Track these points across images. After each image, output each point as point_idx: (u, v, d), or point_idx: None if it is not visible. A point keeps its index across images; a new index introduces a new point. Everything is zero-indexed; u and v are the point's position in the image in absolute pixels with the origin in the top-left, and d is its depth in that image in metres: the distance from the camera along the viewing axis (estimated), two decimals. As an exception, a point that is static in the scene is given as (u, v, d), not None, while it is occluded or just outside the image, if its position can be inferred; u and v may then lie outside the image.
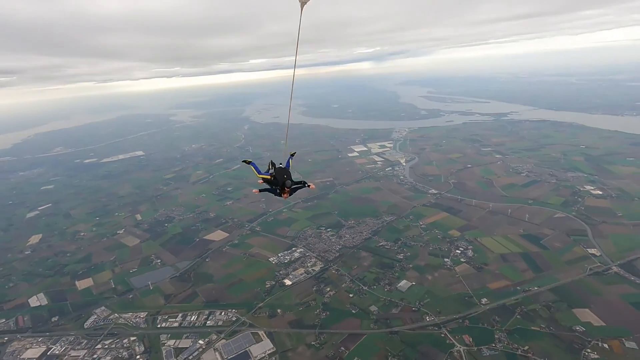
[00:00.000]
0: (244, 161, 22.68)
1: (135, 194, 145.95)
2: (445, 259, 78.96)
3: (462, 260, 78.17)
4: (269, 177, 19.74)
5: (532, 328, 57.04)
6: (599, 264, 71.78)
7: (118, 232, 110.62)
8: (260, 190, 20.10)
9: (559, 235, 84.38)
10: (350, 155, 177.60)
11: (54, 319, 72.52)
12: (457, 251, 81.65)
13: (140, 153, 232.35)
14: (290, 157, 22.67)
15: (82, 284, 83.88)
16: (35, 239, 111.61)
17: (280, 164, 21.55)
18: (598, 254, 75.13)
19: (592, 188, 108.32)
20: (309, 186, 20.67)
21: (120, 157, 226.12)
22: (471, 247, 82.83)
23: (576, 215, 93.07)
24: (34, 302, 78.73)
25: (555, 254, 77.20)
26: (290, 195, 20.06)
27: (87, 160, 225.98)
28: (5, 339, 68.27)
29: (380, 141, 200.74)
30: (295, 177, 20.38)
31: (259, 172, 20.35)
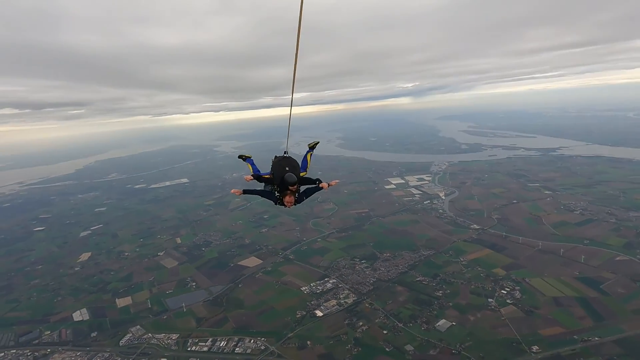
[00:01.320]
0: (241, 157, 16.99)
1: (177, 218, 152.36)
2: (490, 299, 72.96)
3: (508, 301, 71.80)
4: (268, 176, 14.66)
5: (594, 384, 50.09)
6: (674, 316, 62.75)
7: (159, 253, 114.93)
8: (245, 192, 14.83)
9: (622, 280, 75.43)
10: (387, 187, 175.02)
11: (93, 334, 75.05)
12: (502, 291, 75.33)
13: (185, 180, 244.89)
14: (307, 152, 16.08)
15: (121, 302, 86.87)
16: (85, 256, 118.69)
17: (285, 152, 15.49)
18: (672, 304, 65.86)
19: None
20: (319, 183, 14.60)
21: (167, 183, 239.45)
22: (518, 287, 76.13)
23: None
24: (77, 316, 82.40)
25: (619, 301, 68.73)
26: (298, 203, 14.59)
27: (137, 186, 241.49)
28: (48, 350, 71.38)
29: (418, 174, 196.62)
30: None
31: (256, 173, 15.24)
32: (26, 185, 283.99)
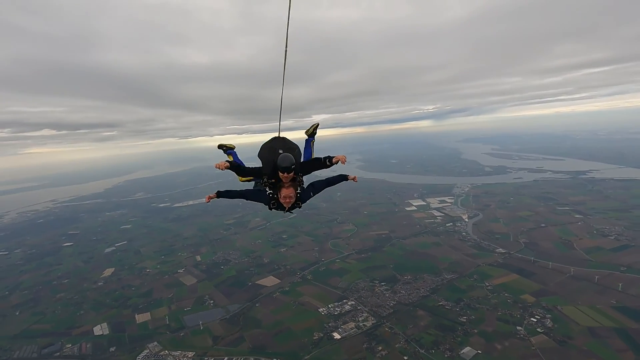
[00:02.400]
0: (221, 147, 13.22)
1: (198, 237, 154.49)
2: (518, 327, 68.77)
3: (538, 330, 67.41)
4: (254, 168, 11.38)
5: None
6: None
7: (179, 270, 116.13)
8: (221, 194, 11.29)
9: (666, 311, 69.61)
10: (407, 209, 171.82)
11: (112, 349, 75.55)
12: (532, 319, 70.93)
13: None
14: (308, 141, 12.90)
15: (140, 318, 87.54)
16: (108, 272, 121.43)
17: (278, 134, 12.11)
18: None
19: None
20: (330, 161, 10.90)
21: (190, 202, 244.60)
22: (550, 315, 71.53)
23: (688, 288, 76.86)
24: (97, 330, 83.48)
25: (664, 333, 63.18)
26: (302, 202, 11.22)
27: (161, 205, 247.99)
28: (68, 363, 72.33)
29: (440, 196, 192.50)
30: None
31: (241, 171, 11.26)
32: (59, 203, 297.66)
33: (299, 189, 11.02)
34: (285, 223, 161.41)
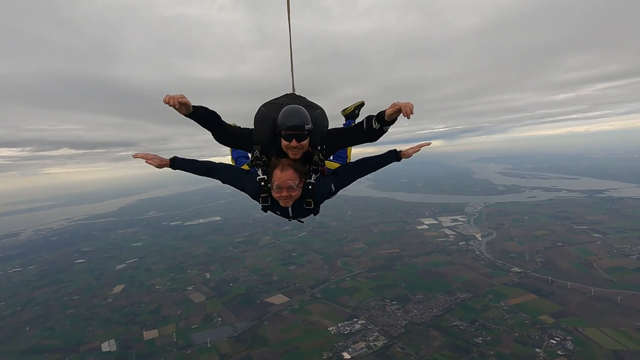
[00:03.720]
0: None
1: (207, 254, 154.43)
2: (537, 349, 65.73)
3: (559, 352, 64.31)
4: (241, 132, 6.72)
5: None
6: None
7: (188, 288, 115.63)
8: (178, 163, 6.92)
9: (697, 334, 65.74)
10: (419, 227, 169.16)
11: (119, 366, 74.81)
12: (551, 341, 67.82)
13: (217, 218, 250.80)
14: (347, 124, 9.00)
15: (148, 335, 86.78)
16: (118, 288, 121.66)
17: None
18: None
19: None
20: (371, 121, 5.92)
21: (201, 221, 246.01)
22: (570, 337, 68.31)
23: None
24: (105, 347, 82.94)
25: (695, 358, 59.45)
26: (321, 200, 6.57)
27: (172, 223, 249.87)
28: (75, 380, 71.57)
29: (452, 215, 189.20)
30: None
31: (219, 129, 6.36)
32: (73, 221, 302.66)
33: (312, 177, 6.24)
34: (295, 241, 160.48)
